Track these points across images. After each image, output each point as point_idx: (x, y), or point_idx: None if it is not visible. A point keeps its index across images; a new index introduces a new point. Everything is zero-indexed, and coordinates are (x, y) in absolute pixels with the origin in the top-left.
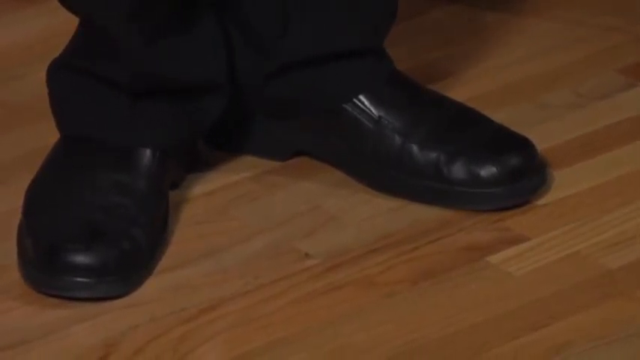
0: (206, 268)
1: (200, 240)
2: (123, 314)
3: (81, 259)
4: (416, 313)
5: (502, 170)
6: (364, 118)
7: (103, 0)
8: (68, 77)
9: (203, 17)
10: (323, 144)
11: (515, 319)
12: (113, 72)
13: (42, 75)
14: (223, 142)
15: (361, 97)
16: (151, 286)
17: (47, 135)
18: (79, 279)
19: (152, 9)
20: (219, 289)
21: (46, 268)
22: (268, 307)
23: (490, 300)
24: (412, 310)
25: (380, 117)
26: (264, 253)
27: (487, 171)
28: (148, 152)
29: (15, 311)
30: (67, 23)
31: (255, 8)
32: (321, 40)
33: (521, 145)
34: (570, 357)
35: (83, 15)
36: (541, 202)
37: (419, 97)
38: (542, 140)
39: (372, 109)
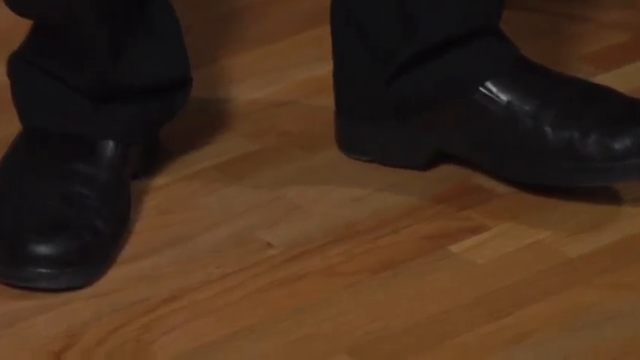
0: (169, 258)
1: (162, 230)
2: (85, 305)
3: (43, 250)
4: (378, 303)
5: (637, 140)
6: (493, 106)
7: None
8: (28, 71)
9: (161, 15)
10: (456, 140)
11: (477, 308)
12: (74, 79)
13: (2, 66)
14: (364, 153)
15: (488, 84)
16: (113, 277)
17: (9, 125)
18: (41, 270)
19: (115, 13)
20: (182, 279)
21: (8, 259)
22: (231, 297)
23: (452, 289)
24: (374, 300)
25: (509, 102)
26: (226, 243)
27: (621, 143)
28: (110, 144)
29: None
30: None
31: (374, 13)
32: (440, 26)
33: None
34: (533, 345)
35: (45, 22)
36: (502, 191)
37: (545, 77)
38: None
39: (500, 95)
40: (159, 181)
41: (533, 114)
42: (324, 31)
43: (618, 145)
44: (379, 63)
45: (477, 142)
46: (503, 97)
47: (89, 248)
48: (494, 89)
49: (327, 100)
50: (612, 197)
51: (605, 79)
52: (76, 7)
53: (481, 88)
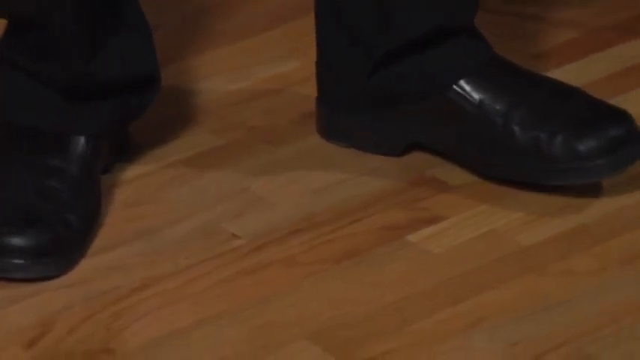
0: (138, 249)
1: (132, 222)
2: (58, 294)
3: (16, 241)
4: (339, 291)
5: (601, 143)
6: (466, 104)
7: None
8: (3, 68)
9: (133, 14)
10: (431, 133)
11: (434, 295)
12: (48, 74)
13: None
14: (343, 139)
15: (462, 83)
16: (84, 267)
17: None
18: (14, 260)
19: (90, 12)
20: (150, 269)
21: None
22: (198, 286)
23: (410, 277)
24: (335, 288)
25: (481, 101)
26: (193, 235)
27: (586, 145)
28: (81, 139)
29: None
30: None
31: (356, 9)
32: (415, 23)
33: (619, 116)
34: (489, 329)
35: (21, 18)
36: (457, 182)
37: (518, 77)
38: None
39: (472, 94)
40: (128, 174)
41: (504, 113)
42: (289, 29)
43: (583, 147)
44: (360, 57)
45: (452, 137)
46: (476, 96)
47: (61, 240)
48: (467, 88)
49: (292, 96)
50: (562, 188)
51: (555, 75)
52: (50, 6)
53: (455, 87)
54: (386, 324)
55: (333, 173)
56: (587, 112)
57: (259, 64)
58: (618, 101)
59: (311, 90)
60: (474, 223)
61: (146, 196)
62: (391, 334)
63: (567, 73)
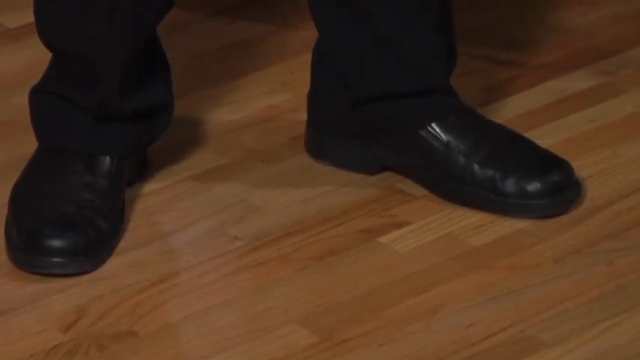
0: (156, 249)
1: (151, 227)
2: (90, 286)
3: (56, 243)
4: (323, 283)
5: (545, 186)
6: (435, 142)
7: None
8: (45, 100)
9: (158, 55)
10: (404, 161)
11: (401, 286)
12: (84, 100)
13: (23, 97)
14: (328, 159)
15: (433, 125)
16: (112, 264)
17: (28, 145)
18: (54, 259)
19: (130, 50)
20: (166, 265)
21: (28, 251)
22: (205, 280)
23: (381, 271)
24: (320, 281)
25: (448, 141)
26: (202, 237)
27: (533, 186)
28: (107, 159)
29: (4, 285)
30: (42, 57)
31: (343, 60)
32: (397, 81)
33: (561, 165)
34: (446, 315)
35: (68, 53)
36: (420, 194)
37: (479, 125)
38: None
39: (442, 135)
40: (148, 187)
41: (467, 153)
42: (280, 68)
43: (531, 188)
44: (345, 96)
45: (420, 168)
46: (444, 137)
47: (92, 242)
48: (437, 129)
49: (283, 123)
50: None
51: (500, 106)
52: (97, 45)
53: (428, 127)
54: (361, 310)
55: (318, 186)
56: (536, 159)
57: (255, 97)
58: (552, 127)
59: (298, 118)
60: (434, 227)
61: (162, 205)
62: (368, 318)
63: (510, 104)
